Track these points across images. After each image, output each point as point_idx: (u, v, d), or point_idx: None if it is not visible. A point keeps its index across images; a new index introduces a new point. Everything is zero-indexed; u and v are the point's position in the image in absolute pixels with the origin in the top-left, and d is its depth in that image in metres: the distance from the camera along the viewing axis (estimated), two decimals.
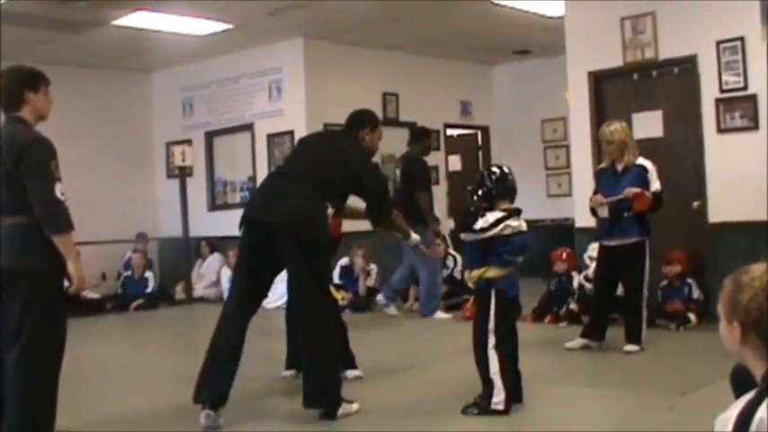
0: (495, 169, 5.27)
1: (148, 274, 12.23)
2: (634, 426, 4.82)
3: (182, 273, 12.63)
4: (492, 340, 5.04)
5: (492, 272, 5.07)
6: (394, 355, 7.41)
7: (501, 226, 5.00)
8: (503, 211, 5.07)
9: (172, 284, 12.64)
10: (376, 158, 6.03)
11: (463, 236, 5.19)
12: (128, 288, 12.11)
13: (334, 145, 5.67)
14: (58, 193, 4.32)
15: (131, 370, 7.48)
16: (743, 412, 1.85)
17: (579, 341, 7.14)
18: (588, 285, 8.18)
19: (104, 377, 7.21)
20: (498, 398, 4.98)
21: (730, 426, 1.86)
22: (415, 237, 6.30)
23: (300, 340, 5.30)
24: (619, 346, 6.92)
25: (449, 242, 11.26)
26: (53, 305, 4.40)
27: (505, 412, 4.96)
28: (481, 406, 5.01)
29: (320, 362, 5.08)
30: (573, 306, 8.52)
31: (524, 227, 5.15)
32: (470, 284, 5.52)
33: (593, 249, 7.84)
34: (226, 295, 11.83)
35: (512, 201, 5.18)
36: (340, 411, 5.04)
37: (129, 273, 12.24)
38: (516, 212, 5.13)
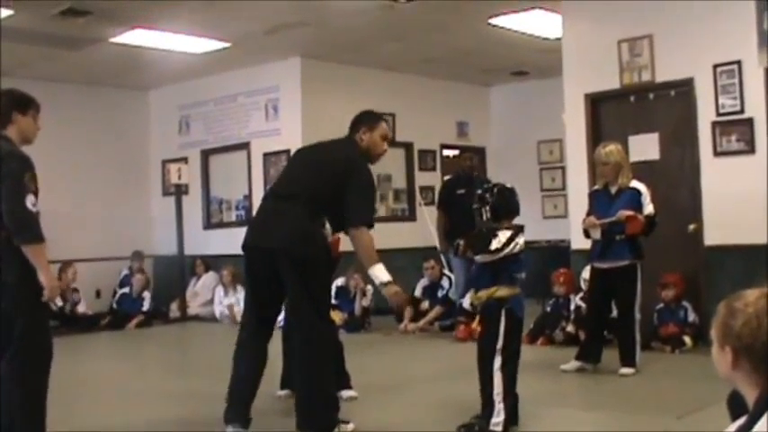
0: (498, 186, 5.25)
1: (146, 294, 12.21)
2: None
3: (176, 291, 12.59)
4: (498, 361, 5.00)
5: (502, 291, 5.03)
6: (389, 376, 7.38)
7: (512, 245, 4.99)
8: (509, 228, 5.06)
9: (166, 302, 12.60)
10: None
11: (479, 258, 5.13)
12: (123, 305, 12.06)
13: (324, 151, 5.42)
14: (28, 204, 4.38)
15: (126, 387, 7.43)
16: None
17: (574, 363, 7.11)
18: (584, 306, 8.16)
19: (98, 394, 7.17)
20: (497, 419, 4.94)
21: None
22: (380, 274, 5.09)
23: (298, 362, 5.17)
24: (614, 369, 6.90)
25: (444, 262, 11.25)
26: (34, 315, 4.47)
27: None
28: (480, 426, 4.97)
29: (318, 385, 5.02)
30: (570, 328, 8.50)
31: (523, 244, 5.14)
32: (475, 304, 5.41)
33: (587, 271, 7.83)
34: (218, 313, 11.99)
35: (514, 218, 5.17)
36: (337, 430, 5.00)
37: (126, 290, 12.19)
38: (521, 229, 5.11)
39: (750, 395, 1.95)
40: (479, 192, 5.24)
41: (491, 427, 4.95)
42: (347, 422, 5.11)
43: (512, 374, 5.06)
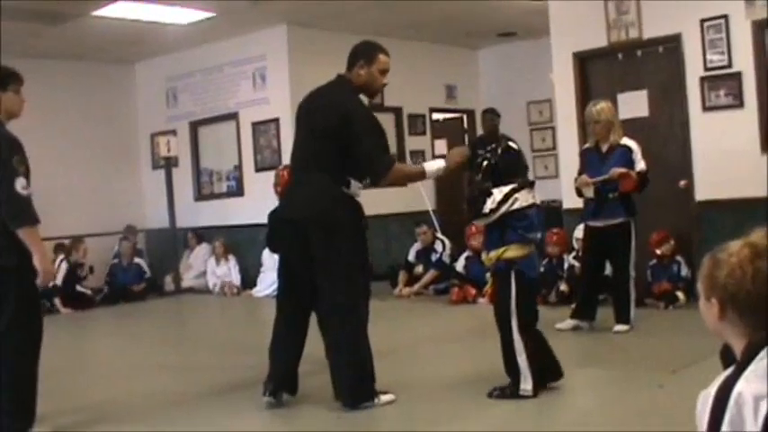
0: (501, 146, 5.06)
1: (138, 260, 12.23)
2: (625, 404, 4.84)
3: (169, 264, 12.60)
4: (515, 323, 4.92)
5: (511, 251, 4.93)
6: (388, 341, 7.38)
7: (510, 201, 4.86)
8: (509, 184, 4.91)
9: (160, 276, 12.59)
10: None
11: (476, 222, 5.09)
12: (117, 276, 12.06)
13: (321, 105, 5.12)
14: (18, 188, 4.34)
15: (123, 361, 7.48)
16: (722, 388, 1.87)
17: (569, 322, 7.15)
18: (578, 265, 8.19)
19: (97, 368, 7.21)
20: (526, 384, 4.90)
21: (710, 402, 1.87)
22: (431, 166, 5.28)
23: (328, 333, 5.05)
24: (609, 326, 6.95)
25: (436, 226, 11.27)
26: (26, 298, 4.46)
27: (534, 397, 4.90)
28: (510, 391, 4.94)
29: (350, 356, 4.93)
30: (563, 287, 8.54)
31: (536, 200, 5.04)
32: (488, 266, 5.31)
33: (580, 230, 7.85)
34: (211, 285, 12.00)
35: (519, 176, 5.00)
36: (376, 402, 4.98)
37: (116, 260, 12.18)
38: (528, 185, 4.98)
39: (737, 346, 1.97)
40: (482, 153, 5.06)
41: (520, 393, 4.91)
42: (385, 392, 5.04)
43: (533, 336, 4.99)
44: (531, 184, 5.05)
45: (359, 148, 4.92)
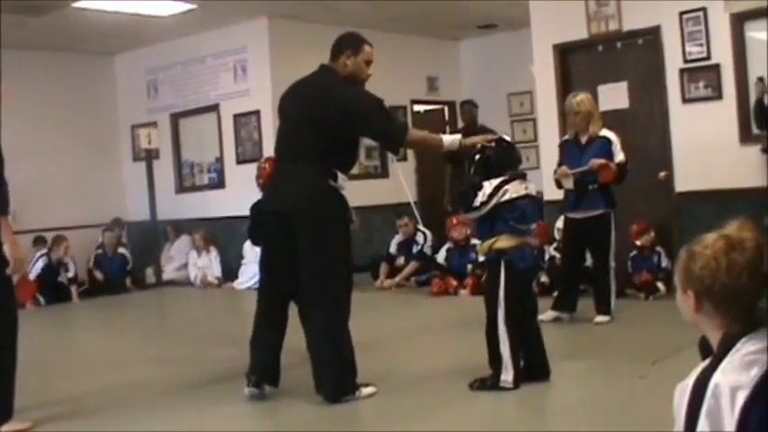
0: (495, 140, 5.12)
1: (122, 250, 12.20)
2: (606, 395, 4.87)
3: (151, 256, 12.56)
4: (501, 314, 4.93)
5: (501, 242, 4.95)
6: (370, 332, 7.40)
7: (500, 193, 4.89)
8: (500, 176, 4.94)
9: (141, 268, 12.55)
10: None
11: (469, 216, 5.11)
12: (103, 266, 12.00)
13: (311, 97, 5.07)
14: None
15: (106, 354, 7.48)
16: (699, 380, 1.90)
17: (550, 313, 7.18)
18: (558, 257, 8.22)
19: (80, 361, 7.18)
20: (507, 375, 4.91)
21: (687, 393, 1.90)
22: (448, 138, 5.29)
23: (311, 325, 5.06)
24: (589, 318, 6.99)
25: (418, 218, 11.28)
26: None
27: (515, 389, 4.91)
28: (491, 382, 4.95)
29: (333, 348, 4.92)
30: (544, 278, 8.57)
31: (530, 191, 5.04)
32: (481, 257, 5.30)
33: (561, 221, 7.88)
34: (192, 277, 11.99)
35: (512, 170, 5.02)
36: (357, 395, 4.98)
37: (100, 251, 12.12)
38: (519, 177, 5.00)
39: (713, 337, 1.99)
40: (476, 147, 5.10)
41: (501, 384, 4.92)
42: (367, 385, 5.04)
43: (520, 327, 4.98)
44: (522, 176, 5.07)
45: (369, 129, 5.03)
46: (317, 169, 4.93)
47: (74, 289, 11.30)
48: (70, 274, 11.30)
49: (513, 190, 4.94)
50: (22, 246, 4.59)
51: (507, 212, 4.94)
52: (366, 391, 5.02)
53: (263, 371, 5.13)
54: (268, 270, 5.20)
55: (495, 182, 4.93)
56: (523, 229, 5.05)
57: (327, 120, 4.92)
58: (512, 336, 4.94)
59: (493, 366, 4.99)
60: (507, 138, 5.18)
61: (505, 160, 5.04)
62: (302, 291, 5.06)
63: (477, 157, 5.05)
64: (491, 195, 4.91)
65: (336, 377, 4.94)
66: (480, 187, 4.94)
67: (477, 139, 5.17)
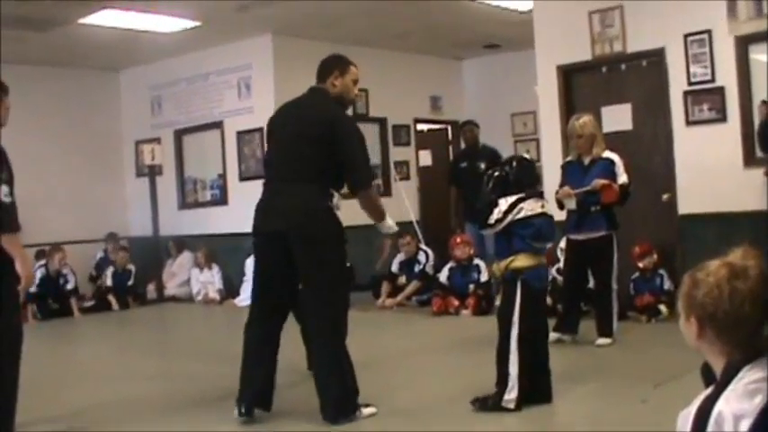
0: (516, 158, 5.18)
1: (130, 266, 12.23)
2: (608, 419, 4.84)
3: (153, 272, 12.55)
4: (515, 334, 4.90)
5: (519, 261, 4.93)
6: (370, 352, 7.38)
7: (515, 210, 4.90)
8: (516, 194, 4.95)
9: (143, 284, 12.54)
10: None
11: (483, 232, 5.11)
12: (116, 281, 12.02)
13: (301, 118, 5.12)
14: (1, 195, 4.37)
15: (108, 369, 7.44)
16: (702, 408, 1.89)
17: (552, 335, 7.09)
18: (560, 278, 8.19)
19: (81, 376, 7.16)
20: (510, 395, 4.89)
21: (690, 421, 1.89)
22: (389, 222, 5.33)
23: (314, 345, 5.05)
24: (591, 340, 6.95)
25: (420, 237, 11.27)
26: (6, 305, 4.44)
27: (517, 410, 4.88)
28: (492, 402, 4.91)
29: (335, 368, 4.90)
30: (546, 300, 8.52)
31: (546, 209, 5.05)
32: (497, 276, 5.26)
33: (563, 242, 7.85)
34: (195, 292, 11.98)
35: (530, 188, 5.04)
36: (358, 415, 4.95)
37: (113, 268, 12.11)
38: (535, 195, 5.01)
39: (716, 364, 1.99)
40: (494, 164, 5.18)
41: (503, 404, 4.89)
42: (367, 405, 5.02)
43: (532, 348, 4.96)
44: (539, 194, 5.09)
45: (347, 156, 4.96)
46: (316, 189, 4.93)
47: (74, 302, 11.28)
48: (70, 286, 11.29)
49: (529, 208, 4.94)
50: (31, 263, 4.62)
51: (522, 229, 4.93)
52: (366, 411, 4.99)
53: (254, 396, 5.04)
54: (262, 291, 5.15)
55: (511, 199, 4.94)
56: (539, 247, 5.05)
57: (323, 137, 4.93)
58: (522, 356, 4.92)
59: (498, 384, 4.96)
60: (527, 156, 5.19)
61: (523, 178, 5.05)
62: (304, 311, 5.08)
63: (496, 174, 5.05)
64: (506, 212, 4.92)
65: (339, 397, 4.91)
66: (496, 204, 4.95)
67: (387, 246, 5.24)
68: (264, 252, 5.11)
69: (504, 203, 4.93)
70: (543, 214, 5.03)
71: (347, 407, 4.93)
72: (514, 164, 5.09)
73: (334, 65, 5.23)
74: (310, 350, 5.70)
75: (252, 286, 5.35)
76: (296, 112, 5.23)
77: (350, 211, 5.28)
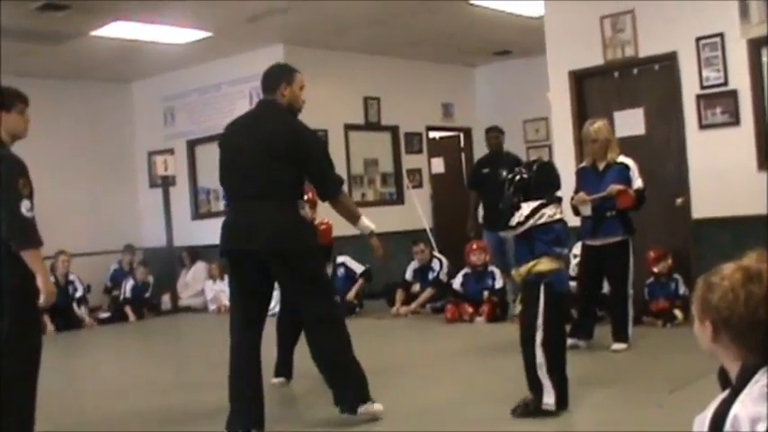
0: (538, 162, 5.21)
1: (149, 278, 12.27)
2: (623, 424, 4.81)
3: (167, 282, 12.57)
4: (539, 337, 4.90)
5: (542, 265, 4.93)
6: (385, 359, 7.37)
7: (537, 215, 4.91)
8: (538, 200, 4.98)
9: (158, 294, 12.56)
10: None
11: (502, 234, 5.13)
12: (134, 293, 12.05)
13: (261, 131, 5.03)
14: (23, 210, 4.39)
15: (123, 380, 7.45)
16: (717, 411, 1.88)
17: (567, 341, 7.11)
18: (574, 284, 8.16)
19: (97, 386, 7.18)
20: (549, 398, 4.88)
21: (706, 425, 1.89)
22: (366, 223, 5.32)
23: (320, 348, 5.09)
24: (607, 345, 6.93)
25: (433, 245, 11.27)
26: (25, 318, 4.47)
27: (556, 413, 4.89)
28: (533, 407, 4.90)
29: (347, 361, 5.03)
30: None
31: (563, 216, 5.08)
32: (517, 280, 5.24)
33: (578, 248, 7.83)
34: (210, 305, 11.99)
35: (551, 192, 5.07)
36: (363, 408, 5.03)
37: (132, 281, 12.10)
38: (555, 201, 5.03)
39: (732, 368, 1.98)
40: (516, 168, 5.18)
41: (543, 407, 4.89)
42: (374, 401, 5.10)
43: (556, 352, 4.97)
44: (558, 200, 5.09)
45: (314, 169, 5.05)
46: (284, 204, 4.94)
47: (84, 311, 11.34)
48: (78, 294, 11.33)
49: (550, 213, 4.96)
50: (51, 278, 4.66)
51: (544, 235, 4.94)
52: (376, 406, 5.07)
53: (249, 418, 4.94)
54: (239, 306, 5.15)
55: (534, 204, 4.95)
56: (560, 252, 5.05)
57: (287, 152, 4.92)
58: (549, 359, 4.92)
59: (533, 390, 4.95)
60: (548, 160, 5.21)
61: (545, 183, 5.07)
62: (282, 315, 5.53)
63: (518, 178, 5.06)
64: (528, 217, 4.93)
65: (354, 385, 5.03)
66: (518, 207, 4.97)
67: (379, 250, 5.42)
68: (240, 269, 5.09)
69: (526, 208, 4.95)
70: (561, 220, 5.05)
71: (364, 395, 5.03)
72: (536, 168, 5.11)
73: (280, 76, 5.24)
74: (282, 358, 6.23)
75: (231, 305, 5.39)
76: (254, 127, 5.15)
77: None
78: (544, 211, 4.94)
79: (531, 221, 4.92)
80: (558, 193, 5.15)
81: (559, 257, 5.03)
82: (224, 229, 5.12)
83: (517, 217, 4.95)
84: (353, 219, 5.27)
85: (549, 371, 4.90)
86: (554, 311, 4.97)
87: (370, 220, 5.35)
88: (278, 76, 5.23)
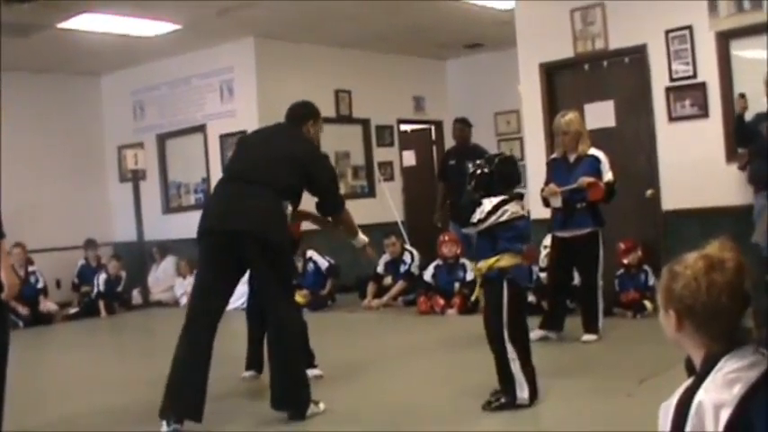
0: (499, 156, 5.15)
1: (122, 272, 12.17)
2: (593, 414, 4.84)
3: (137, 277, 12.49)
4: (507, 333, 4.90)
5: (505, 261, 4.91)
6: (357, 353, 7.37)
7: (499, 212, 4.87)
8: (500, 195, 4.93)
9: (128, 289, 12.48)
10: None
11: (464, 230, 5.14)
12: (107, 287, 11.91)
13: (279, 141, 5.45)
14: None
15: (95, 375, 7.41)
16: (682, 399, 1.90)
17: (538, 332, 7.13)
18: (543, 276, 8.19)
19: (68, 382, 7.14)
20: (523, 393, 4.89)
21: (671, 412, 1.91)
22: (361, 237, 5.83)
23: (270, 343, 5.17)
24: (577, 336, 6.96)
25: (405, 238, 11.27)
26: None
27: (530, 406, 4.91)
28: (506, 402, 4.90)
29: (291, 364, 5.06)
30: (531, 297, 8.53)
31: (525, 211, 5.09)
32: (476, 275, 5.22)
33: (548, 239, 7.85)
34: (178, 296, 11.93)
35: (513, 187, 5.04)
36: (309, 411, 5.03)
37: (104, 275, 11.96)
38: (517, 197, 5.01)
39: (696, 356, 2.00)
40: (478, 162, 5.10)
41: (518, 402, 4.89)
42: (317, 402, 5.11)
43: (523, 345, 4.98)
44: (520, 197, 5.07)
45: (321, 184, 5.38)
46: (274, 195, 5.09)
47: (43, 300, 11.31)
48: (39, 285, 11.25)
49: (513, 210, 4.93)
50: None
51: (506, 231, 4.92)
52: (317, 407, 5.10)
53: (187, 405, 4.92)
54: (204, 294, 5.18)
55: (496, 200, 4.91)
56: (521, 248, 5.04)
57: (300, 164, 5.25)
58: (519, 352, 4.93)
59: (505, 385, 4.95)
60: (510, 154, 5.18)
61: (507, 178, 5.03)
62: (252, 307, 5.49)
63: (479, 172, 5.01)
64: (489, 213, 4.88)
65: (292, 391, 5.04)
66: (479, 204, 4.92)
67: (372, 255, 6.12)
68: (212, 253, 5.15)
69: (488, 204, 4.90)
70: (523, 216, 5.05)
71: (306, 401, 5.05)
72: (497, 162, 5.04)
73: (309, 114, 5.63)
74: (252, 351, 6.18)
75: (193, 290, 5.51)
76: (277, 134, 5.61)
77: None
78: (506, 207, 4.90)
79: (493, 218, 4.87)
80: (521, 189, 5.14)
81: (521, 253, 5.03)
82: (205, 210, 5.36)
83: (478, 213, 4.89)
84: (352, 233, 5.76)
85: (523, 365, 4.91)
86: (517, 306, 4.99)
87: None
88: (308, 114, 5.63)
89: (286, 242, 5.13)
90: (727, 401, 1.82)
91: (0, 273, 4.39)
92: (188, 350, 5.01)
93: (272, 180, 5.10)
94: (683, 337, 2.01)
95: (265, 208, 5.05)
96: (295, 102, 5.69)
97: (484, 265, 4.99)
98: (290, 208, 5.21)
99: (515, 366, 4.90)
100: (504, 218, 4.89)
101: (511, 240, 4.93)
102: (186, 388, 4.93)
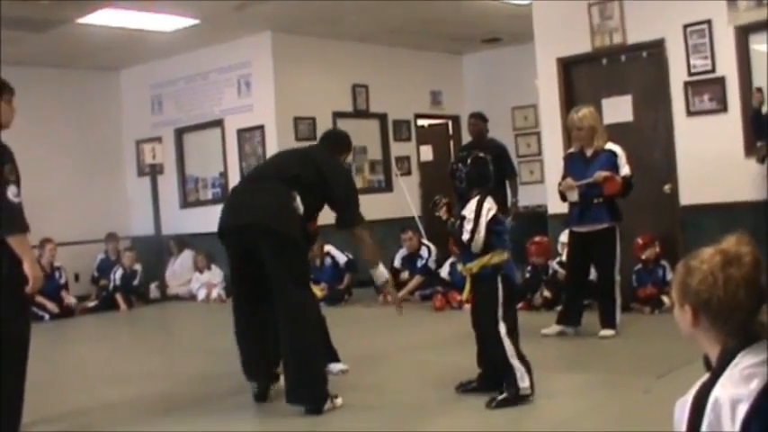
0: (472, 156, 5.18)
1: (137, 266, 12.22)
2: (611, 410, 4.84)
3: (155, 271, 12.54)
4: (503, 328, 4.94)
5: (496, 257, 4.96)
6: (375, 347, 7.38)
7: (483, 212, 4.92)
8: (476, 195, 5.00)
9: (146, 283, 12.53)
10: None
11: (475, 250, 5.14)
12: (123, 281, 12.01)
13: (310, 152, 5.70)
14: (10, 196, 4.38)
15: (111, 369, 7.44)
16: (698, 395, 1.90)
17: (555, 327, 7.14)
18: (561, 271, 8.18)
19: (84, 376, 7.17)
20: (524, 382, 4.92)
21: (687, 408, 1.90)
22: (382, 270, 5.77)
23: (286, 337, 5.15)
24: (594, 332, 6.94)
25: (422, 232, 11.27)
26: (13, 305, 4.45)
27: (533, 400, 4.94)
28: (509, 395, 4.91)
29: (309, 358, 5.06)
30: (546, 292, 8.53)
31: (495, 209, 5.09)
32: (466, 274, 5.20)
33: (565, 234, 7.84)
34: (195, 291, 11.98)
35: (484, 186, 5.08)
36: (326, 406, 5.02)
37: (121, 270, 12.04)
38: (488, 193, 5.05)
39: (711, 352, 1.99)
40: (452, 162, 5.23)
41: (521, 392, 4.91)
42: (336, 396, 5.11)
43: (516, 338, 5.02)
44: (487, 194, 5.09)
45: (340, 193, 5.44)
46: (287, 190, 5.18)
47: (66, 294, 11.37)
48: (62, 281, 11.32)
49: (489, 206, 4.99)
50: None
51: (496, 226, 4.99)
52: (336, 402, 5.10)
53: (254, 372, 5.37)
54: (241, 287, 5.44)
55: (472, 205, 4.97)
56: (508, 243, 5.10)
57: (314, 160, 5.45)
58: (515, 344, 4.97)
59: (508, 380, 4.95)
60: (482, 155, 5.20)
61: (480, 178, 5.10)
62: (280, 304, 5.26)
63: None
64: (475, 222, 4.93)
65: (309, 385, 5.04)
66: (461, 225, 4.99)
67: (395, 299, 6.21)
68: (237, 249, 5.33)
69: (468, 212, 4.97)
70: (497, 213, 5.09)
71: (323, 395, 5.04)
72: (470, 162, 5.12)
73: (346, 145, 5.97)
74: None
75: (232, 287, 5.72)
76: (304, 149, 6.06)
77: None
78: (486, 205, 4.97)
79: (483, 221, 4.92)
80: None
81: (508, 248, 5.07)
82: (224, 209, 5.48)
83: (466, 233, 4.94)
84: (372, 260, 5.73)
85: (519, 357, 4.96)
86: (511, 301, 5.08)
87: (360, 207, 5.57)
88: (345, 145, 5.96)
89: (294, 231, 5.12)
90: (744, 397, 1.81)
91: (24, 266, 4.43)
92: (236, 326, 5.40)
93: (279, 171, 5.29)
94: (698, 332, 2.00)
95: (274, 200, 5.14)
96: (335, 130, 5.80)
97: (477, 264, 5.02)
98: (298, 200, 5.20)
99: (514, 359, 4.94)
100: (491, 214, 4.96)
101: (499, 236, 5.00)
102: (247, 359, 5.37)
